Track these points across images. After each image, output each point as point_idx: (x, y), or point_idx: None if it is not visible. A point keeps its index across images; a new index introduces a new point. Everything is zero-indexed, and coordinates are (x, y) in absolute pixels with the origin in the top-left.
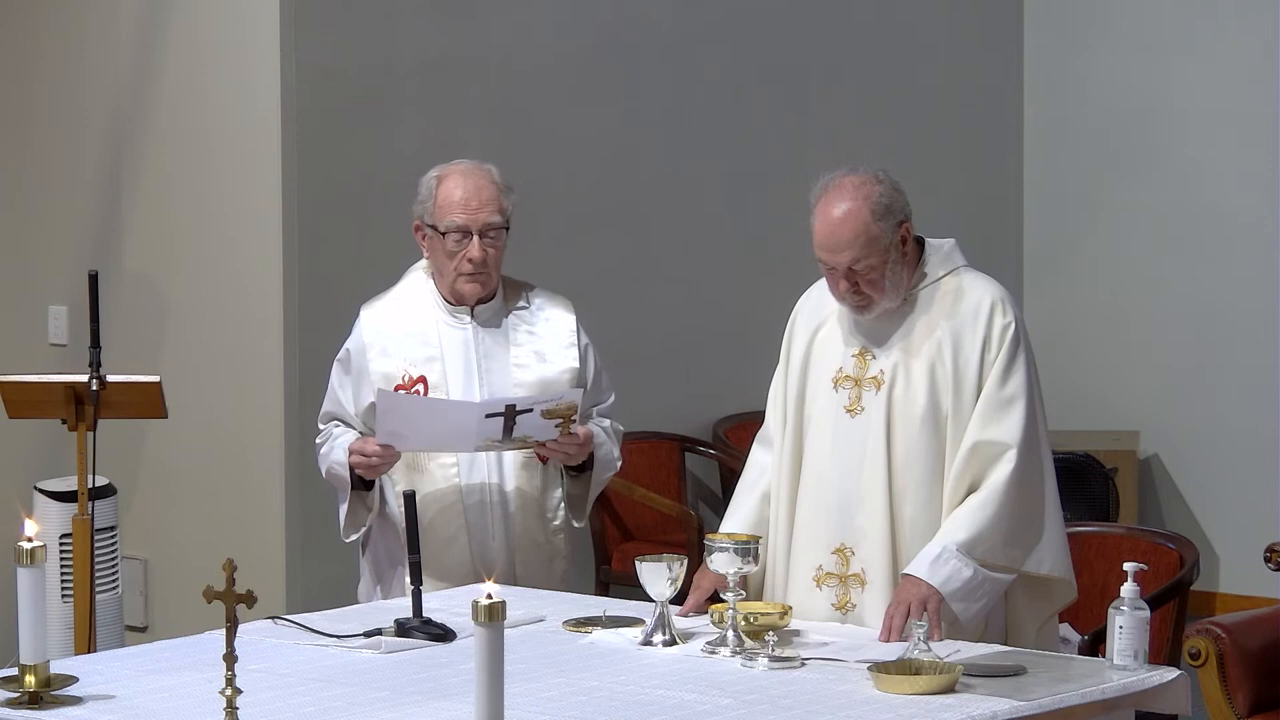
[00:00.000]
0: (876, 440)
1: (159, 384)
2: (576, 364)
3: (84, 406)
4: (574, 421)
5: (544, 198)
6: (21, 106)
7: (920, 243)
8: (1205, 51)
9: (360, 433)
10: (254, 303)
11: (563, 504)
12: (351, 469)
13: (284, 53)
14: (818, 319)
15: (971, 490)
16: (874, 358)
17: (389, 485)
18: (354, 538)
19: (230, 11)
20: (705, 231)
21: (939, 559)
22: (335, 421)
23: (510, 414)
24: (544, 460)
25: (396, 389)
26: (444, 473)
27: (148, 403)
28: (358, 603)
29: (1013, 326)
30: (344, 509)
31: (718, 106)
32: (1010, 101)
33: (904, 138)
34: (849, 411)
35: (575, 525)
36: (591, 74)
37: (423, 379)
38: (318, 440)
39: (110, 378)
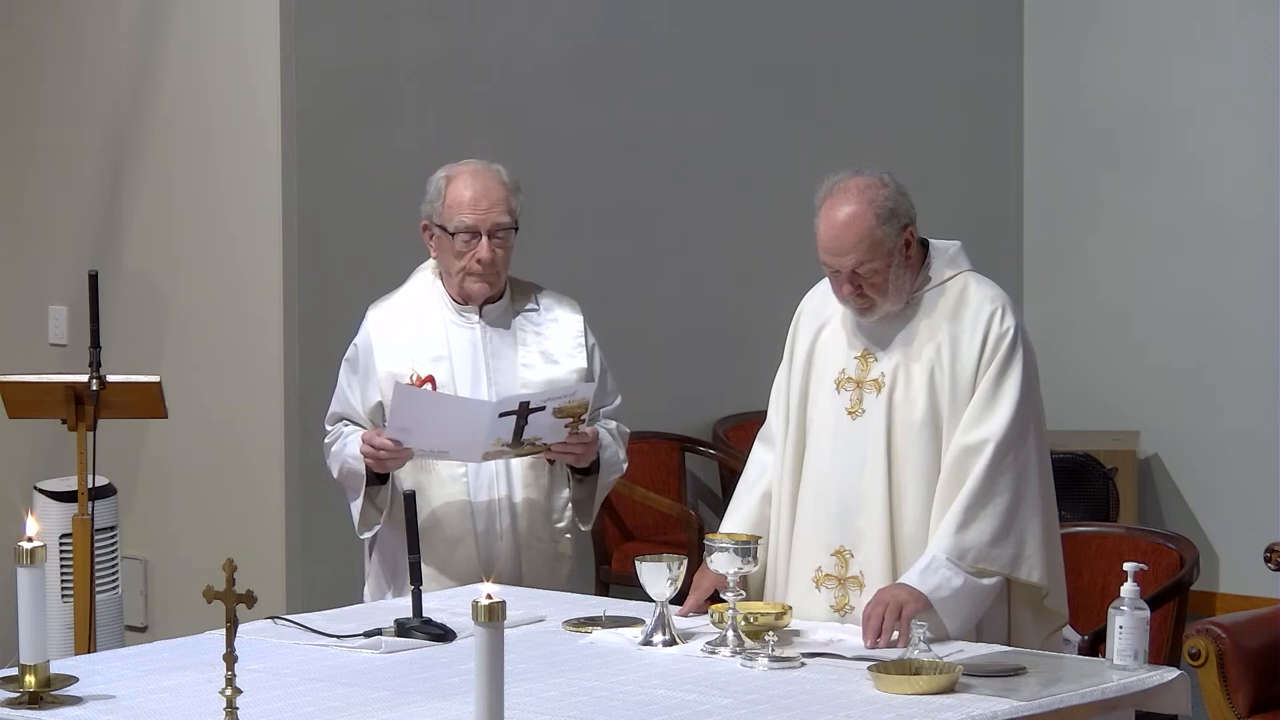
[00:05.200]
0: (877, 443)
1: (159, 384)
2: (584, 365)
3: (84, 406)
4: (583, 421)
5: (544, 198)
6: (21, 106)
7: (924, 245)
8: (1205, 51)
9: None
10: (254, 303)
11: (569, 506)
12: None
13: (284, 53)
14: (821, 318)
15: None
16: (876, 360)
17: (398, 486)
18: (367, 535)
19: (230, 11)
20: (705, 231)
21: (928, 569)
22: (344, 421)
23: (523, 412)
24: (551, 461)
25: None
26: (451, 474)
27: (148, 403)
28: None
29: (1011, 333)
30: (356, 506)
31: (718, 106)
32: (1010, 101)
33: (904, 138)
34: (850, 413)
35: (582, 529)
36: (592, 74)
37: (430, 378)
38: (327, 440)
39: (110, 378)
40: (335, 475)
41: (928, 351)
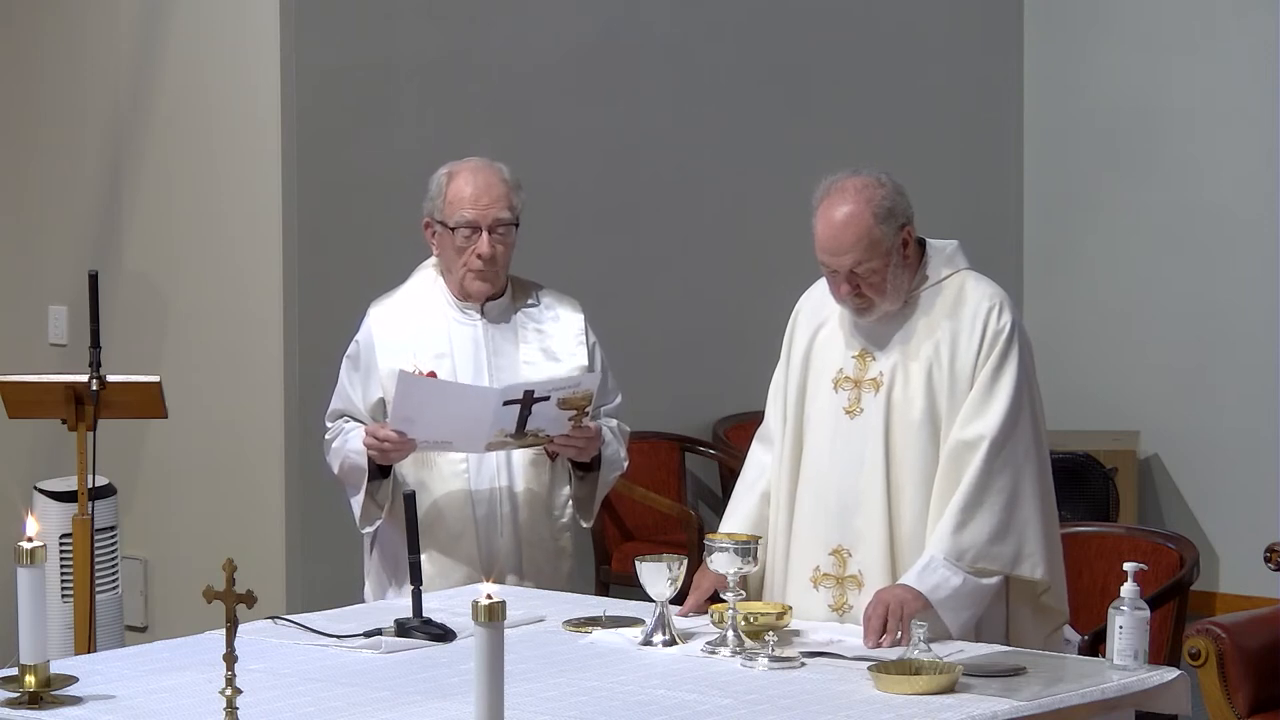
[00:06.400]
0: (875, 443)
1: (159, 384)
2: (585, 362)
3: (84, 406)
4: (587, 414)
5: (544, 198)
6: (22, 107)
7: (921, 245)
8: (1205, 51)
9: None
10: (254, 303)
11: (570, 503)
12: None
13: (284, 53)
14: (819, 318)
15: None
16: (874, 359)
17: (400, 481)
18: (369, 530)
19: (230, 11)
20: (705, 231)
21: (926, 568)
22: (345, 418)
23: (527, 401)
24: (553, 457)
25: None
26: (453, 469)
27: (148, 403)
28: (364, 603)
29: (1007, 329)
30: (357, 502)
31: (718, 106)
32: (1010, 101)
33: (904, 138)
34: (848, 413)
35: (584, 526)
36: (592, 74)
37: (432, 375)
38: (327, 437)
39: (110, 378)
40: (336, 471)
41: (926, 350)
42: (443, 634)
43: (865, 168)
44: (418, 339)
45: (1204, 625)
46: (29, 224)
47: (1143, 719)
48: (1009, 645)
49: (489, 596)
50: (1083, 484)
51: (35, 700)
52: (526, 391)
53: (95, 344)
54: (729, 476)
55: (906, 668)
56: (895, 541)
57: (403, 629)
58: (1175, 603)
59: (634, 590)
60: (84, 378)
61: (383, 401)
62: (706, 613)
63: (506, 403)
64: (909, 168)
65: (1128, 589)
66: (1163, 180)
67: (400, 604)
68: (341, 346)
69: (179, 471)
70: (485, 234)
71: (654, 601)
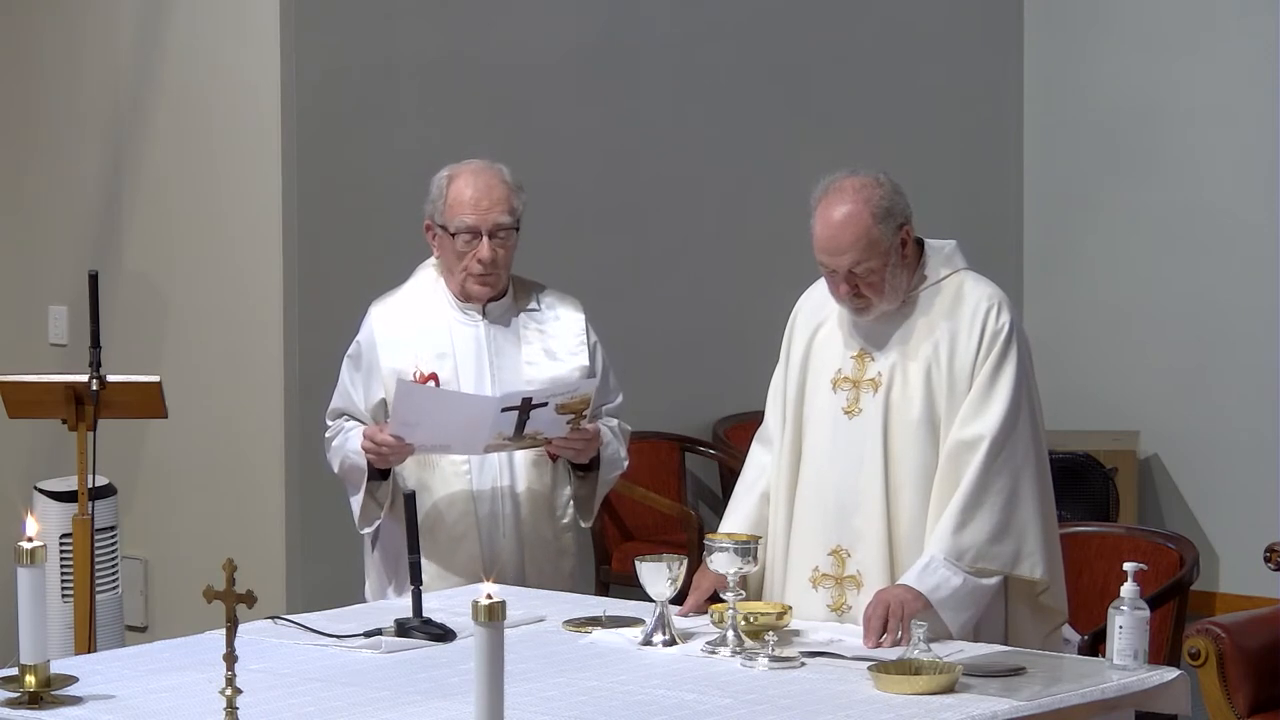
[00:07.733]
0: (874, 443)
1: (159, 384)
2: (586, 363)
3: (84, 406)
4: (585, 417)
5: (544, 198)
6: (22, 107)
7: (920, 244)
8: (1205, 51)
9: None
10: (254, 303)
11: (570, 504)
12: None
13: (284, 53)
14: (818, 319)
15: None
16: (873, 359)
17: (400, 482)
18: (368, 530)
19: (230, 11)
20: (705, 231)
21: (926, 568)
22: (345, 417)
23: (525, 408)
24: (553, 458)
25: None
26: (455, 470)
27: (148, 403)
28: (364, 603)
29: (1006, 329)
30: (357, 501)
31: (718, 106)
32: (1010, 101)
33: (904, 138)
34: (847, 413)
35: (583, 525)
36: (592, 74)
37: (434, 375)
38: (328, 435)
39: (110, 378)
40: (335, 470)
41: (924, 350)
42: (443, 634)
43: (863, 167)
44: (419, 339)
45: (1204, 625)
46: (29, 224)
47: (1143, 719)
48: (1008, 645)
49: (489, 596)
50: (1083, 484)
51: (35, 700)
52: (524, 399)
53: (95, 344)
54: (729, 476)
55: (906, 668)
56: (894, 541)
57: (403, 629)
58: (1175, 603)
59: (634, 590)
60: (84, 378)
61: (384, 401)
62: (706, 613)
63: (504, 409)
64: (909, 167)
65: (1128, 589)
66: (1163, 180)
67: (400, 604)
68: (341, 346)
69: (179, 471)
70: (485, 239)
71: (654, 601)
